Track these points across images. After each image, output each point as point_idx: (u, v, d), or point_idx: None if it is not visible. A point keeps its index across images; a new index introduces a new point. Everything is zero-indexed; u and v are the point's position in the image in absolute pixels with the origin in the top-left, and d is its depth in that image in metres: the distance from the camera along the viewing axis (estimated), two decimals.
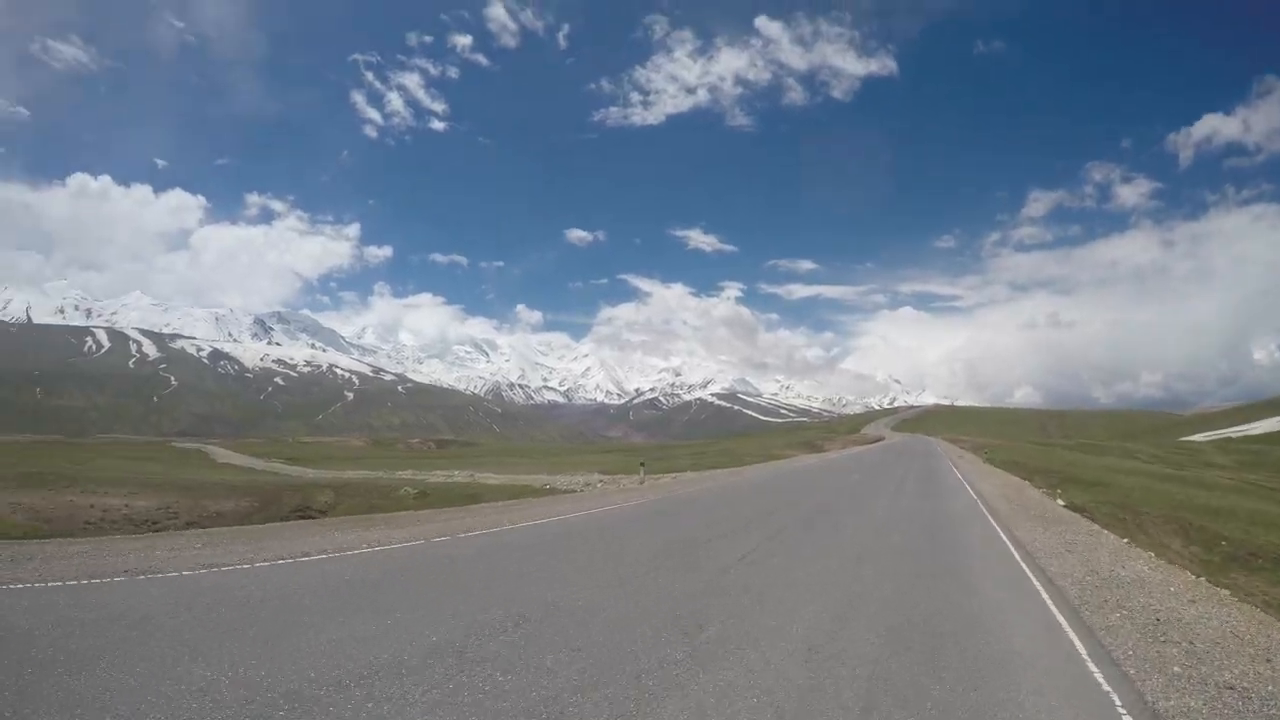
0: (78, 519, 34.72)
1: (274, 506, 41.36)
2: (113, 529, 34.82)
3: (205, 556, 10.33)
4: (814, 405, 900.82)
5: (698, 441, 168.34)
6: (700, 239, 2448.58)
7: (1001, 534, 16.28)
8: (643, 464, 38.12)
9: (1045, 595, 10.07)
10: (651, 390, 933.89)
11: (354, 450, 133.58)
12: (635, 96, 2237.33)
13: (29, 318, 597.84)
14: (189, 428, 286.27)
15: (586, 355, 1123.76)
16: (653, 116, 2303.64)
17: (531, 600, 8.34)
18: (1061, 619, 8.85)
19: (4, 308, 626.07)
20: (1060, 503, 26.67)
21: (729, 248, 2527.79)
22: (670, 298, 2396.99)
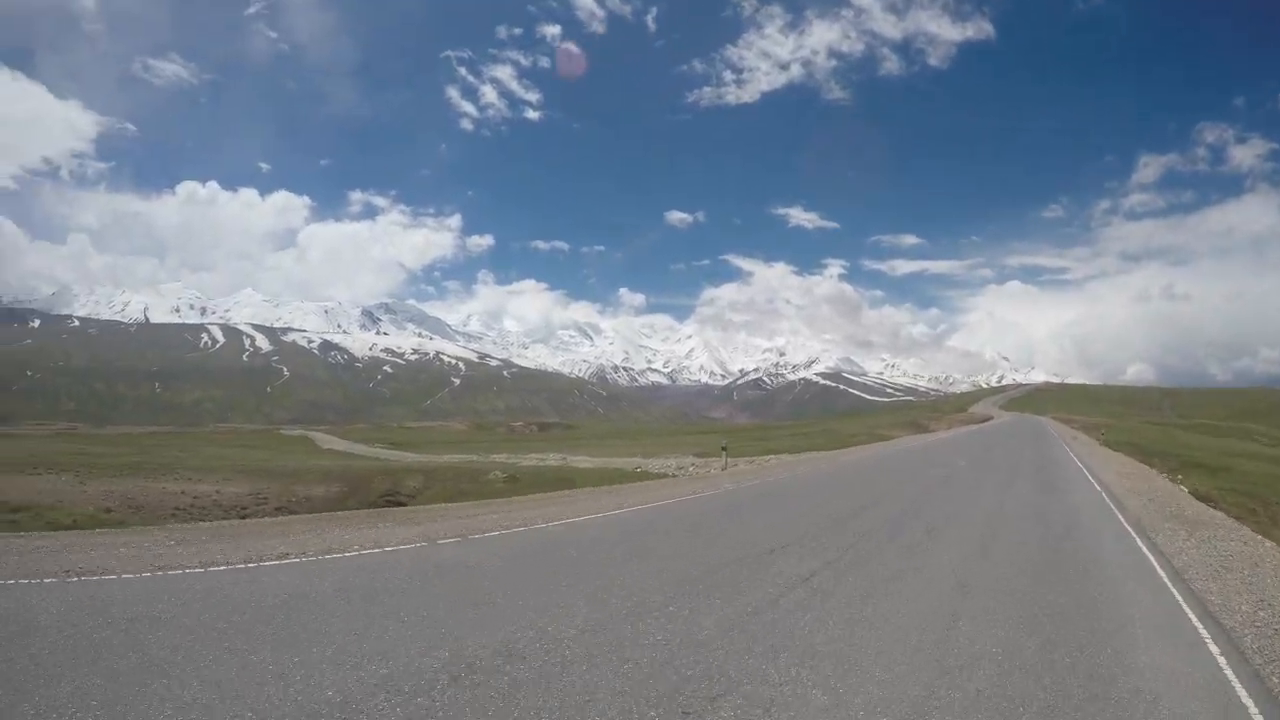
0: (167, 505, 35.31)
1: (363, 492, 41.50)
2: (201, 515, 35.13)
3: (165, 558, 9.20)
4: (920, 383, 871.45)
5: (801, 421, 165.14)
6: (801, 216, 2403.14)
7: (1140, 543, 13.08)
8: (724, 448, 35.85)
9: (1223, 664, 6.79)
10: (755, 370, 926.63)
11: (456, 434, 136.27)
12: (728, 76, 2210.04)
13: (146, 318, 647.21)
14: (301, 416, 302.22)
15: (690, 336, 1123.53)
16: (747, 95, 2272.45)
17: (484, 647, 6.28)
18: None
19: (123, 309, 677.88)
20: (1183, 488, 23.89)
21: (830, 224, 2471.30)
22: (772, 277, 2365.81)
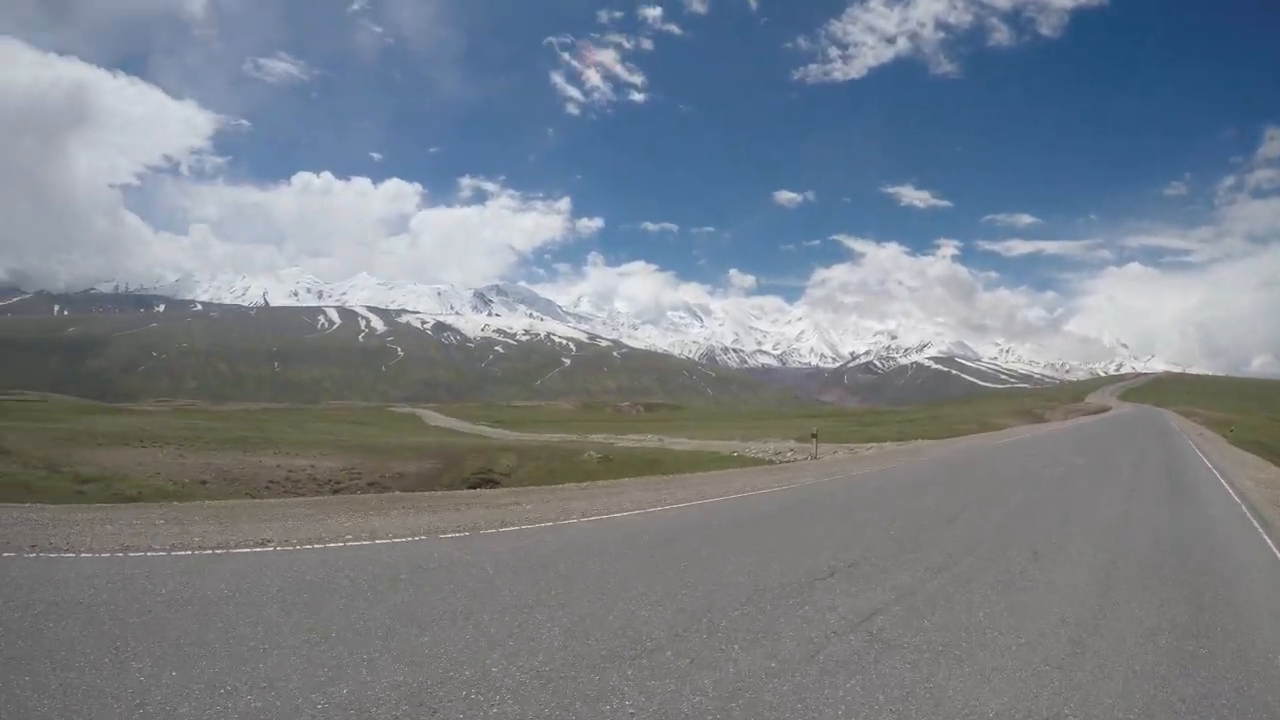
0: (262, 479, 36.43)
1: (456, 469, 41.93)
2: (295, 489, 35.91)
3: (141, 539, 8.51)
4: (1035, 370, 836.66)
5: (911, 407, 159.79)
6: (912, 195, 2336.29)
7: None
8: (814, 435, 33.77)
9: None
10: (866, 353, 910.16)
11: (562, 414, 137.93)
12: (833, 51, 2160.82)
13: (266, 302, 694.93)
14: (415, 394, 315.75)
15: (800, 318, 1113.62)
16: (854, 70, 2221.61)
17: (383, 687, 5.03)
18: None
19: (244, 294, 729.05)
20: None
21: (942, 203, 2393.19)
22: (884, 257, 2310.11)
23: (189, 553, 7.93)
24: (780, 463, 29.84)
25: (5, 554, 7.45)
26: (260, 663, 5.00)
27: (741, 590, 7.62)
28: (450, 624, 6.07)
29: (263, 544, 8.54)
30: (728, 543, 10.10)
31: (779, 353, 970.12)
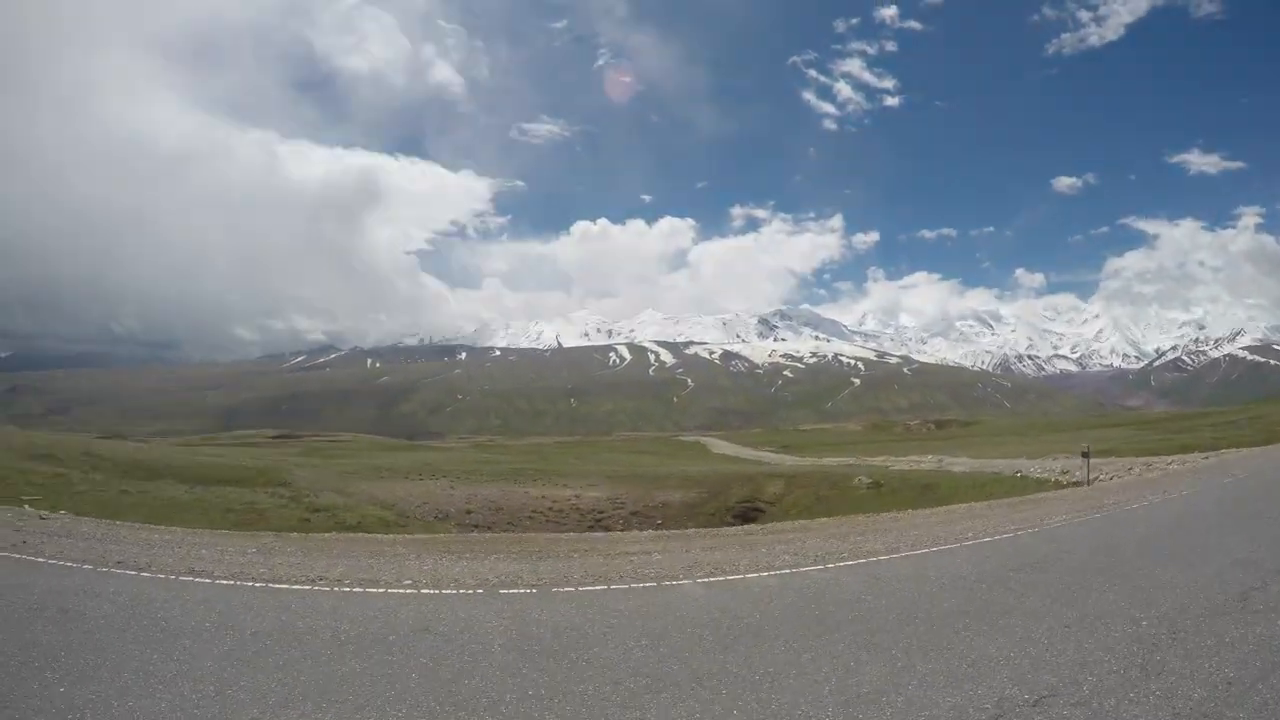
0: (525, 509, 38.49)
1: (721, 497, 41.93)
2: (557, 519, 37.37)
3: (224, 567, 8.99)
4: None
5: (1227, 408, 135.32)
6: (1200, 161, 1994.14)
7: None
8: (1085, 453, 28.23)
9: None
10: (1173, 349, 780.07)
11: (848, 435, 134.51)
12: (1083, 15, 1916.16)
13: (559, 343, 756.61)
14: (706, 423, 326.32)
15: (1097, 316, 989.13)
16: (1109, 32, 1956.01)
17: None
18: None
19: (537, 338, 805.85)
20: None
21: (1235, 164, 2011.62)
22: (1179, 237, 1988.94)
23: (208, 581, 8.33)
24: (1064, 483, 26.69)
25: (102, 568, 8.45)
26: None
27: None
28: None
29: (314, 581, 8.56)
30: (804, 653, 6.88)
31: (1076, 356, 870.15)
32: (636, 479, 45.07)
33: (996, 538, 12.55)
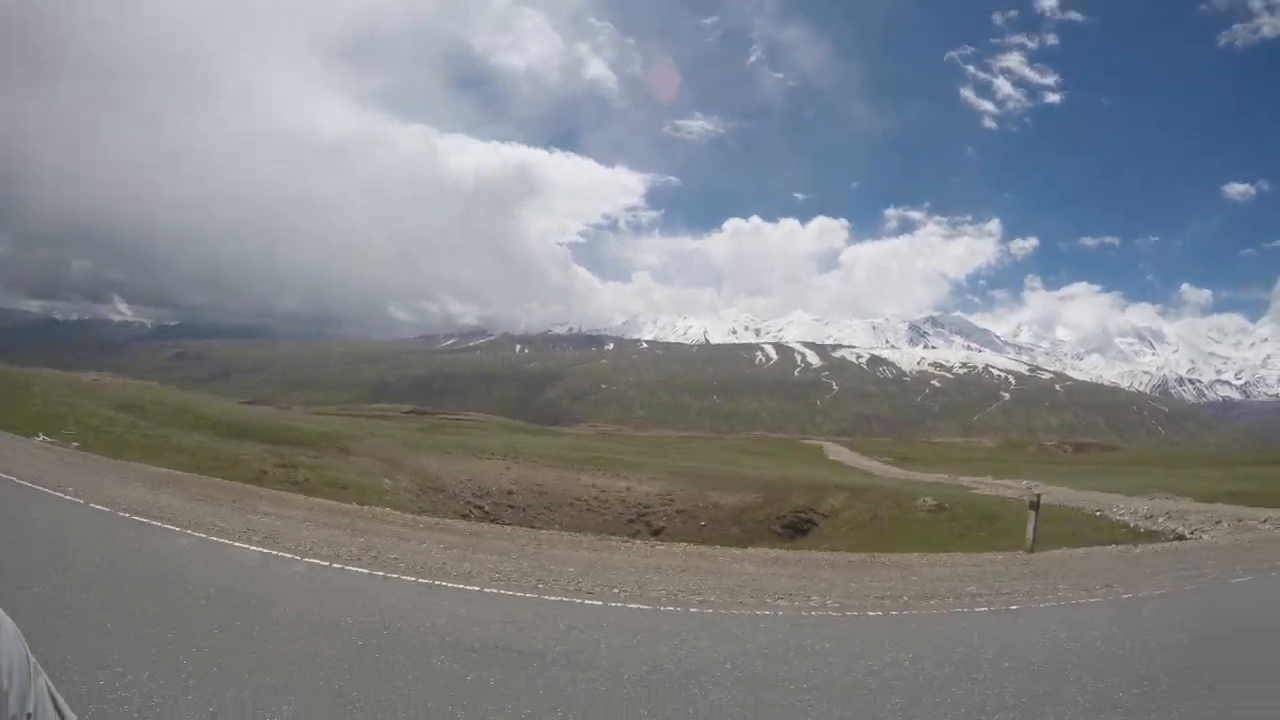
0: (569, 495, 40.35)
1: (777, 504, 41.74)
2: (599, 508, 39.12)
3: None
4: None
5: None
6: None
7: None
8: (1033, 505, 19.23)
9: None
10: None
11: (975, 452, 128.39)
12: (1255, 3, 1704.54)
13: (706, 340, 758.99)
14: (849, 428, 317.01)
15: (1266, 339, 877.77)
16: None
17: None
18: None
19: (685, 333, 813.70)
20: None
21: None
22: None
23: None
24: (1140, 531, 21.76)
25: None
26: None
27: None
28: None
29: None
30: None
31: (1241, 383, 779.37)
32: (697, 477, 44.30)
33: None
